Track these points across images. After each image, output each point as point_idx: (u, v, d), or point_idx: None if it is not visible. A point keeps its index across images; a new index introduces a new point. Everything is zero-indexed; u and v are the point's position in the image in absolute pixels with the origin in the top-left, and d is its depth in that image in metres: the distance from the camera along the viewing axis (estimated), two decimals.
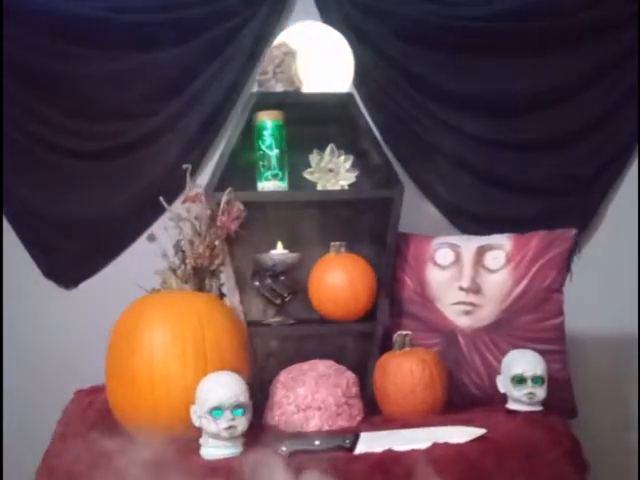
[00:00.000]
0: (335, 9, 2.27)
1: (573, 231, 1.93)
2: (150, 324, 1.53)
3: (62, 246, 2.27)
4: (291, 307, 2.01)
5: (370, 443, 1.43)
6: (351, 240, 2.02)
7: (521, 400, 1.70)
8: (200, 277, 1.77)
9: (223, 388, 1.39)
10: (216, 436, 1.39)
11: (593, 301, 2.24)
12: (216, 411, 1.37)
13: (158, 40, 2.26)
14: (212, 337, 1.52)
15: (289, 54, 1.91)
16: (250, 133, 1.96)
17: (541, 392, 1.69)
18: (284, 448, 1.39)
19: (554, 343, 1.86)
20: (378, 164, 1.98)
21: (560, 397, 1.81)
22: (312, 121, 2.03)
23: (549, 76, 2.26)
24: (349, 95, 1.98)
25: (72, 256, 2.28)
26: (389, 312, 1.96)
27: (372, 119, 2.27)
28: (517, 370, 1.69)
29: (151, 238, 1.77)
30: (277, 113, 1.96)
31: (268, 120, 1.95)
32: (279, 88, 1.94)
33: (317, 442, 1.43)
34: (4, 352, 2.30)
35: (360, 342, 2.00)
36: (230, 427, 1.37)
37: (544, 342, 1.85)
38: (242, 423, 1.39)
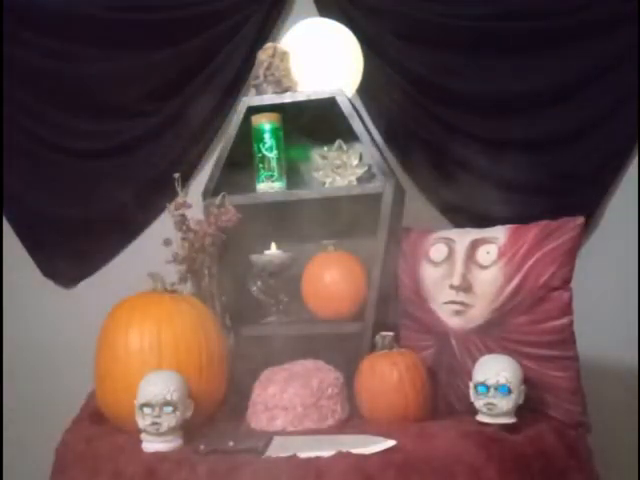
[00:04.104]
0: (335, 9, 2.28)
1: (579, 219, 1.69)
2: (117, 325, 1.62)
3: (62, 246, 2.30)
4: (287, 307, 2.01)
5: (281, 448, 1.45)
6: (349, 238, 2.01)
7: (482, 411, 1.51)
8: (195, 279, 1.83)
9: (152, 386, 1.46)
10: (144, 431, 1.46)
11: (593, 300, 2.21)
12: (145, 407, 1.45)
13: (158, 39, 2.29)
14: (169, 338, 1.57)
15: (276, 56, 1.92)
16: (247, 136, 1.97)
17: (505, 403, 1.48)
18: (202, 446, 1.44)
19: (557, 348, 1.63)
20: (372, 158, 1.96)
21: (566, 409, 1.62)
22: (308, 120, 2.03)
23: (549, 76, 2.24)
24: (339, 91, 1.94)
25: (72, 256, 2.31)
26: (390, 312, 1.93)
27: (372, 119, 2.29)
28: (479, 377, 1.52)
29: (167, 243, 1.82)
30: (274, 115, 1.97)
31: (266, 123, 1.97)
32: (270, 91, 1.95)
33: (231, 443, 1.46)
34: (4, 351, 2.33)
35: (354, 342, 1.95)
36: (154, 423, 1.44)
37: (544, 346, 1.63)
38: (169, 420, 1.45)
